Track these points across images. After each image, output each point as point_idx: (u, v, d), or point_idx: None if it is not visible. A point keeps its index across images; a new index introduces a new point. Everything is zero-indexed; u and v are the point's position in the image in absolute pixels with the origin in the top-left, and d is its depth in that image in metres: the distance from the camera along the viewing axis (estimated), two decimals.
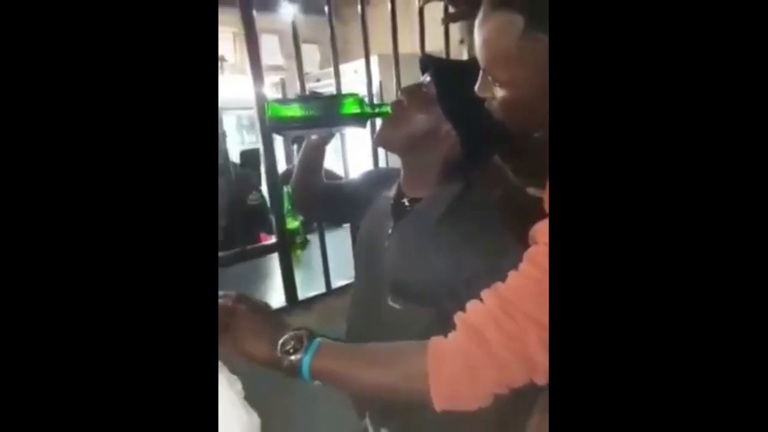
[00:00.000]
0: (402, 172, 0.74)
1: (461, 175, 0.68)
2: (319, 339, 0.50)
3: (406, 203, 0.72)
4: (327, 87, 1.13)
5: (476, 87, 0.52)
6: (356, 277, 0.81)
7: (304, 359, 0.48)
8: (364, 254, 0.78)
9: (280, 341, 0.49)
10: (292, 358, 0.48)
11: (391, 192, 0.75)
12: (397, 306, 0.66)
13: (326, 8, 1.14)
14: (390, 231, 0.71)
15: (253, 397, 0.51)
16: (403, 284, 0.66)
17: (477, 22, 0.48)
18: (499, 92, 0.49)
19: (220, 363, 0.48)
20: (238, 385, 0.50)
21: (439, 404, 0.46)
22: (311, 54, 3.13)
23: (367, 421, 0.78)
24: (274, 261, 1.17)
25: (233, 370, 0.51)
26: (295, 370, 0.48)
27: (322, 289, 1.26)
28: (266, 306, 0.56)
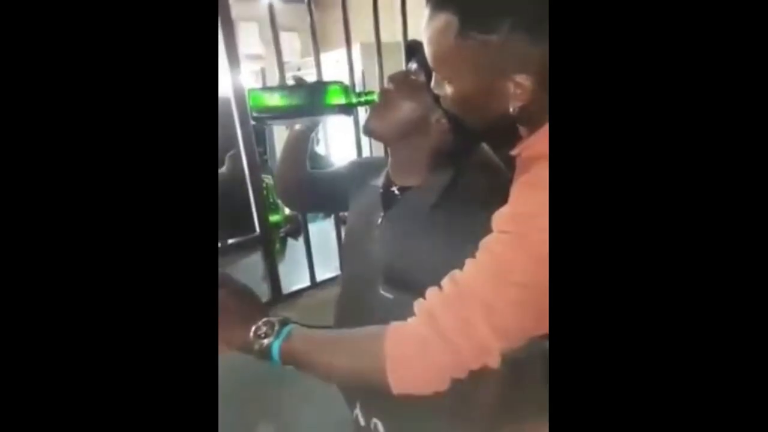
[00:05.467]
0: (390, 161, 0.72)
1: (452, 162, 0.68)
2: (290, 325, 0.51)
3: (396, 192, 0.71)
4: (307, 76, 1.10)
5: (431, 84, 0.54)
6: (344, 268, 0.80)
7: (274, 343, 0.49)
8: (352, 244, 0.76)
9: (254, 327, 0.50)
10: (264, 342, 0.50)
11: (379, 181, 0.74)
12: (389, 295, 0.65)
13: None
14: (380, 220, 0.70)
15: (244, 390, 0.51)
16: (396, 273, 0.65)
17: (423, 23, 0.49)
18: (448, 89, 0.51)
19: None
20: None
21: (395, 387, 0.47)
22: (291, 42, 3.05)
23: (358, 411, 0.78)
24: (256, 255, 1.15)
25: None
26: (265, 353, 0.50)
27: (307, 283, 1.25)
28: (247, 290, 0.57)
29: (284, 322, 0.51)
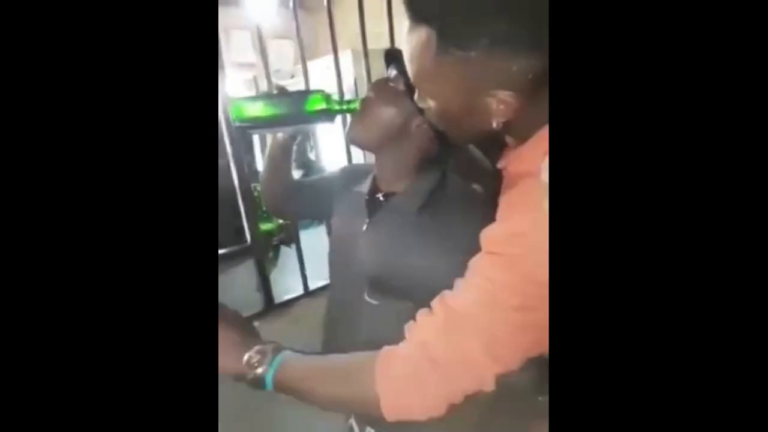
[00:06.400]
0: (376, 167, 0.72)
1: (436, 167, 0.67)
2: (283, 353, 0.50)
3: (381, 198, 0.70)
4: (301, 83, 1.10)
5: (415, 97, 0.53)
6: (331, 275, 0.79)
7: (268, 374, 0.49)
8: (338, 251, 0.76)
9: (246, 356, 0.50)
10: (257, 372, 0.49)
11: (364, 187, 0.74)
12: (374, 302, 0.65)
13: (291, 2, 1.11)
14: (365, 227, 0.69)
15: (236, 397, 0.51)
16: (380, 279, 0.65)
17: (403, 37, 0.48)
18: (430, 103, 0.51)
19: None
20: None
21: (388, 414, 0.46)
22: (285, 50, 3.06)
23: (353, 420, 0.77)
24: (248, 265, 1.15)
25: None
26: (259, 383, 0.49)
27: (300, 291, 1.24)
28: (238, 316, 0.56)
29: (277, 350, 0.50)
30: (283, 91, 0.69)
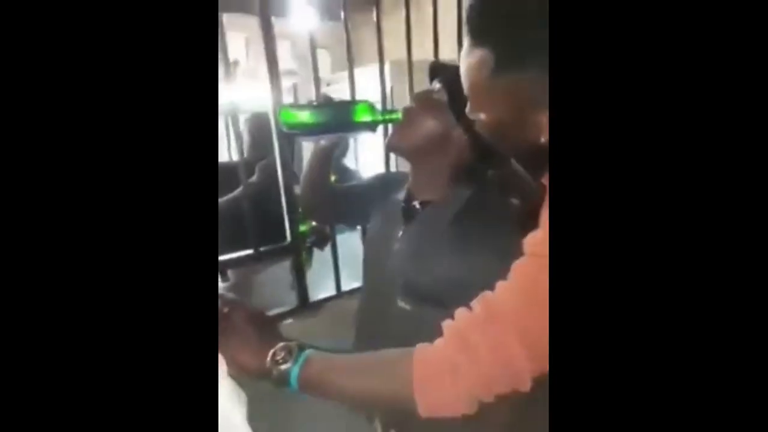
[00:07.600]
0: (411, 176, 0.74)
1: (472, 178, 0.69)
2: (308, 350, 0.51)
3: (417, 206, 0.72)
4: (338, 91, 1.14)
5: (467, 110, 0.55)
6: (364, 279, 0.81)
7: (293, 370, 0.49)
8: (372, 256, 0.79)
9: (271, 352, 0.50)
10: (282, 368, 0.49)
11: (400, 195, 0.76)
12: (407, 307, 0.67)
13: (341, 13, 1.16)
14: (400, 233, 0.72)
15: (261, 400, 0.52)
16: (413, 285, 0.67)
17: (461, 55, 0.51)
18: (482, 116, 0.53)
19: (228, 376, 0.51)
20: (243, 398, 0.51)
21: (423, 411, 0.47)
22: (322, 58, 3.15)
23: (377, 423, 0.79)
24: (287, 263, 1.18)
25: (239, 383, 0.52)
26: (283, 380, 0.49)
27: (333, 291, 1.28)
28: (261, 314, 0.56)
29: (301, 347, 0.51)
30: (329, 100, 0.72)
